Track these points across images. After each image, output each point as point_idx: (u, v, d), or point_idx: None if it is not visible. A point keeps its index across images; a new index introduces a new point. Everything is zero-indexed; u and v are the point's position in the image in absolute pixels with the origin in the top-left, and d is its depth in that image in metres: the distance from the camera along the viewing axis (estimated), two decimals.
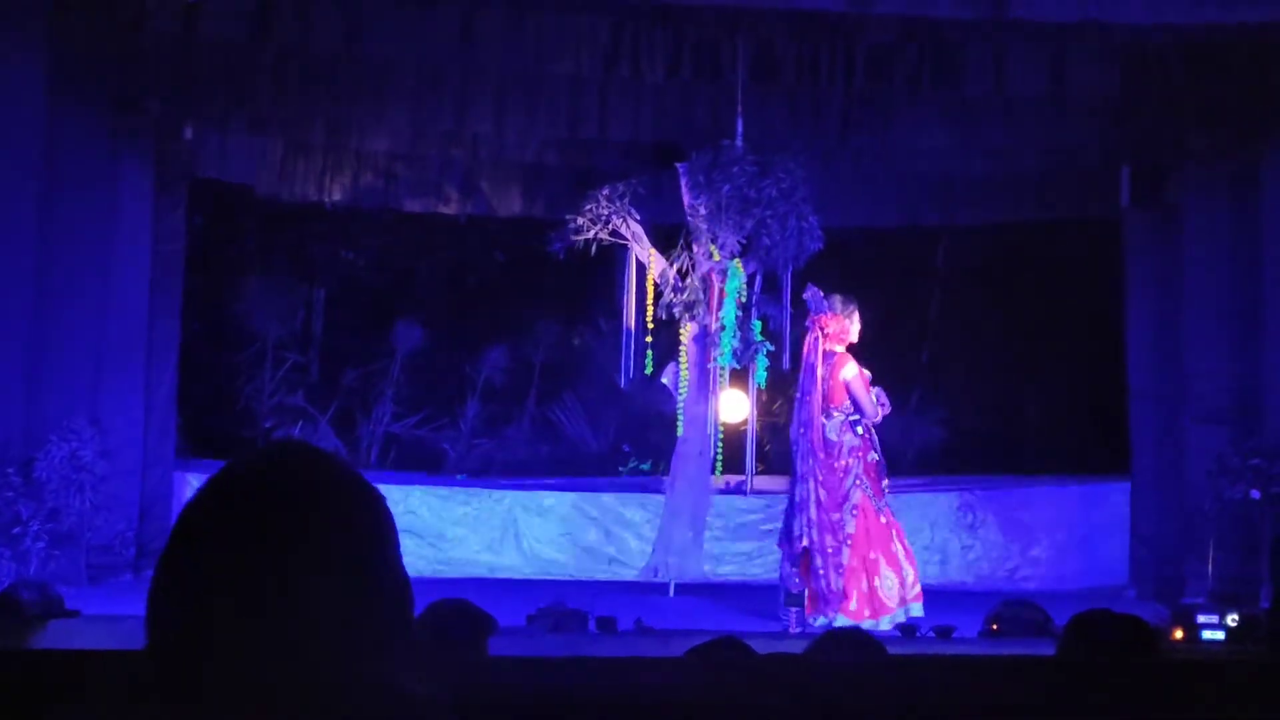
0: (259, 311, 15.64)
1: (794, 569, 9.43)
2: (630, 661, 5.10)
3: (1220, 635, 8.37)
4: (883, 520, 9.46)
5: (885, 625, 9.15)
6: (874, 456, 9.47)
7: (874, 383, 9.57)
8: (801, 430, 9.52)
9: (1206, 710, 3.20)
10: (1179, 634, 8.36)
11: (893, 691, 3.19)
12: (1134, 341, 12.79)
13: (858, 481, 9.41)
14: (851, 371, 9.45)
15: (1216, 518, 10.99)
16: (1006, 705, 3.13)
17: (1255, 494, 10.67)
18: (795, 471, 9.61)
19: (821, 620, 9.29)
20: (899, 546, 9.46)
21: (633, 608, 9.19)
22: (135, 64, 10.99)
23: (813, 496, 9.42)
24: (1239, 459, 10.86)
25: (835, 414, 9.48)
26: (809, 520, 9.41)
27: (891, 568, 9.37)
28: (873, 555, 9.35)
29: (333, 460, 1.61)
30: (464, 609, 4.55)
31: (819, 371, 9.52)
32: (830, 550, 9.35)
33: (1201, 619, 8.46)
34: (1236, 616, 8.42)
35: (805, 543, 9.40)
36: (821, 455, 9.45)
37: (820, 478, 9.43)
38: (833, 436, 9.47)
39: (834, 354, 9.52)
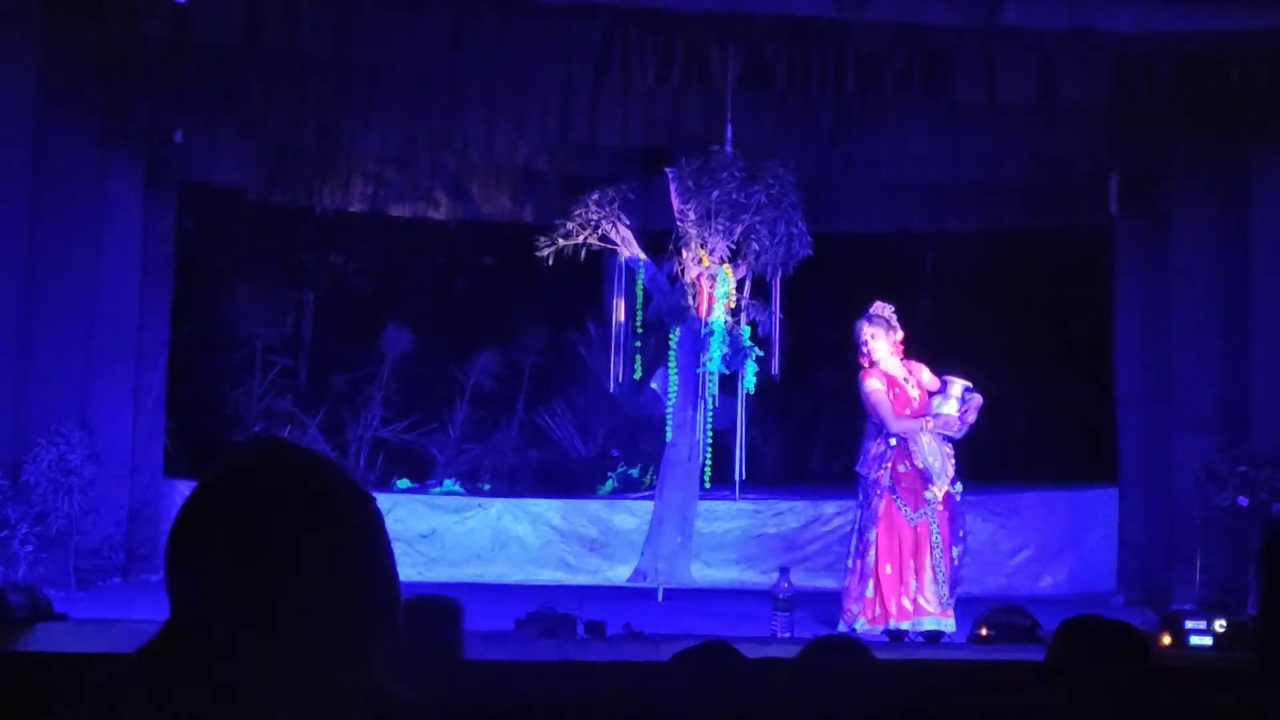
0: (248, 315, 15.61)
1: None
2: (619, 666, 5.10)
3: (1208, 641, 8.37)
4: (915, 530, 9.59)
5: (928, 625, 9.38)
6: (903, 467, 9.57)
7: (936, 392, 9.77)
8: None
9: (1194, 717, 3.20)
10: (1167, 640, 8.37)
11: (881, 697, 3.19)
12: (1122, 348, 12.81)
13: (879, 492, 9.56)
14: (870, 385, 9.65)
15: (1204, 525, 11.00)
16: (995, 711, 3.14)
17: (1243, 501, 10.69)
18: None
19: (842, 626, 9.51)
20: (928, 559, 9.58)
21: (621, 612, 9.19)
22: (125, 67, 10.98)
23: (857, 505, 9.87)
24: (1227, 466, 10.88)
25: (872, 427, 9.69)
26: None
27: (918, 577, 9.54)
28: (911, 563, 9.53)
29: (323, 462, 1.61)
30: (430, 605, 4.54)
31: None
32: (861, 551, 9.65)
33: (1189, 625, 8.46)
34: (1224, 623, 8.42)
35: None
36: (862, 466, 9.76)
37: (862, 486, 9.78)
38: (870, 449, 9.66)
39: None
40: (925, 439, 9.55)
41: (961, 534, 9.73)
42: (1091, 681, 3.27)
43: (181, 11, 9.87)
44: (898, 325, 9.83)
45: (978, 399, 9.71)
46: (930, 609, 9.45)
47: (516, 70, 10.94)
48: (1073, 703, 3.11)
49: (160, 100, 11.50)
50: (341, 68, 11.06)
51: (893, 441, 9.56)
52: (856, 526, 9.78)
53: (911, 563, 9.53)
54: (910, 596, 9.48)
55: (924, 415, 9.59)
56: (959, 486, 9.66)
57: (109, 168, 11.57)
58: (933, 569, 9.53)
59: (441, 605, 4.54)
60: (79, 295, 11.05)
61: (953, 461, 9.65)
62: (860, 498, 9.75)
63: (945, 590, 9.51)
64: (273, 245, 15.94)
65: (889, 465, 9.56)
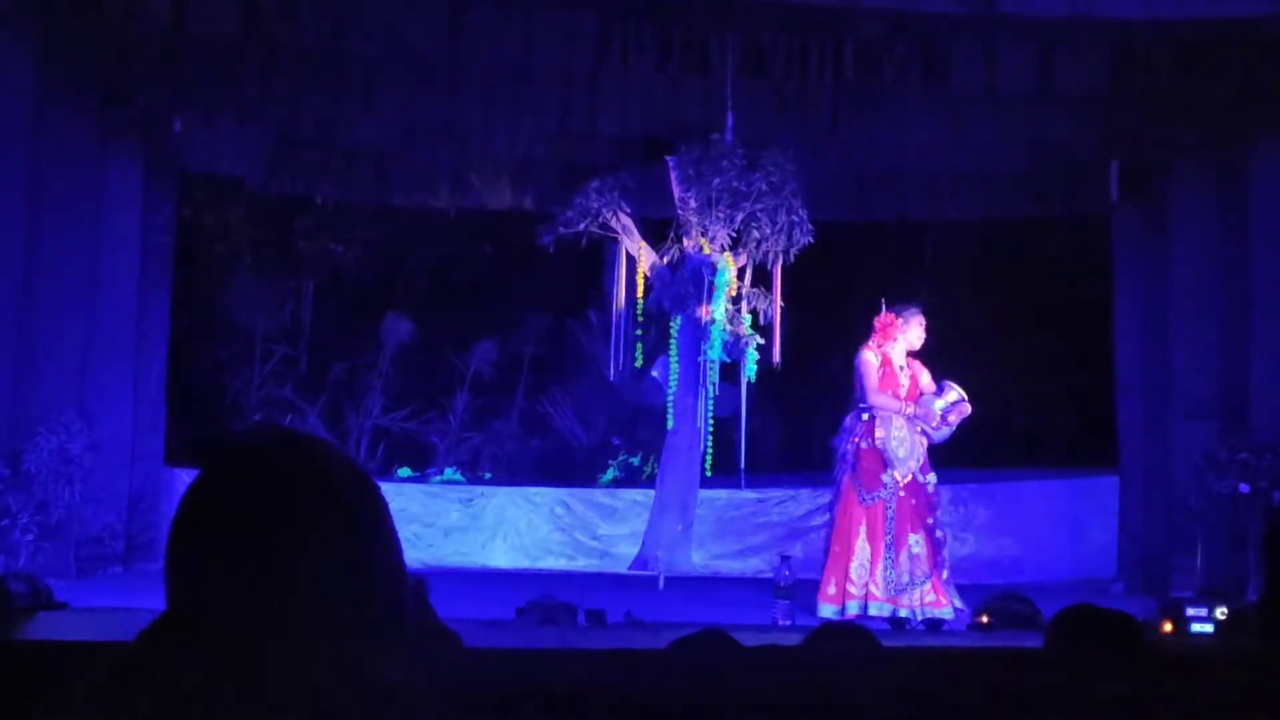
0: (248, 304, 15.63)
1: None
2: (618, 654, 5.10)
3: (1209, 629, 8.38)
4: (868, 512, 9.45)
5: (853, 610, 9.24)
6: (865, 444, 9.40)
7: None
8: None
9: (1195, 704, 3.20)
10: (1168, 627, 8.37)
11: (880, 684, 3.19)
12: (1122, 337, 12.82)
13: (842, 467, 9.48)
14: (864, 356, 9.50)
15: (1204, 512, 11.00)
16: (996, 698, 3.14)
17: (1244, 488, 10.69)
18: None
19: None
20: (881, 545, 9.44)
21: (623, 600, 9.19)
22: (125, 57, 10.95)
23: None
24: (1226, 454, 10.88)
25: (855, 402, 9.59)
26: None
27: (872, 561, 9.43)
28: (857, 543, 9.38)
29: (326, 446, 1.61)
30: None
31: None
32: (826, 526, 9.68)
33: (1190, 612, 8.47)
34: (1225, 610, 8.43)
35: None
36: (836, 439, 9.69)
37: None
38: (845, 422, 9.57)
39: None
40: (899, 424, 9.44)
41: (929, 521, 9.52)
42: (1092, 669, 3.28)
43: (180, 1, 9.85)
44: (920, 328, 9.65)
45: (966, 408, 9.55)
46: (878, 595, 9.34)
47: (516, 60, 10.91)
48: (1072, 690, 3.11)
49: (159, 90, 11.50)
50: (341, 57, 11.03)
51: (865, 417, 9.43)
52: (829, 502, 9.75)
53: (868, 547, 9.42)
54: (861, 581, 9.37)
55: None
56: (932, 478, 9.53)
57: (108, 158, 11.57)
58: (885, 556, 9.41)
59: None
60: (78, 285, 11.05)
61: (921, 453, 9.51)
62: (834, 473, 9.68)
63: (896, 577, 9.34)
64: (272, 234, 15.97)
65: (855, 440, 9.46)
